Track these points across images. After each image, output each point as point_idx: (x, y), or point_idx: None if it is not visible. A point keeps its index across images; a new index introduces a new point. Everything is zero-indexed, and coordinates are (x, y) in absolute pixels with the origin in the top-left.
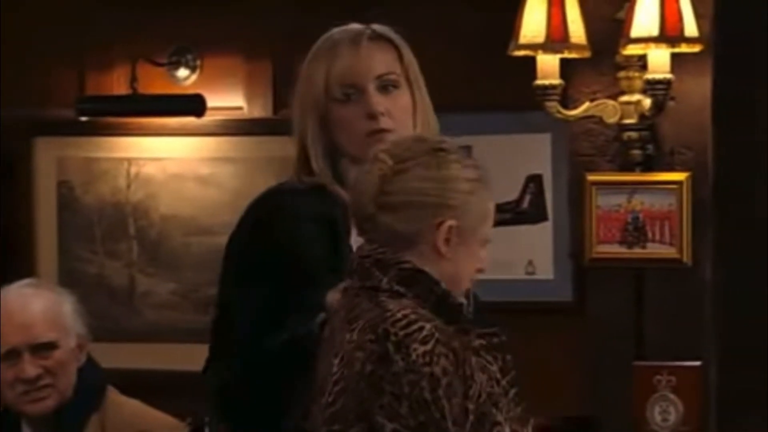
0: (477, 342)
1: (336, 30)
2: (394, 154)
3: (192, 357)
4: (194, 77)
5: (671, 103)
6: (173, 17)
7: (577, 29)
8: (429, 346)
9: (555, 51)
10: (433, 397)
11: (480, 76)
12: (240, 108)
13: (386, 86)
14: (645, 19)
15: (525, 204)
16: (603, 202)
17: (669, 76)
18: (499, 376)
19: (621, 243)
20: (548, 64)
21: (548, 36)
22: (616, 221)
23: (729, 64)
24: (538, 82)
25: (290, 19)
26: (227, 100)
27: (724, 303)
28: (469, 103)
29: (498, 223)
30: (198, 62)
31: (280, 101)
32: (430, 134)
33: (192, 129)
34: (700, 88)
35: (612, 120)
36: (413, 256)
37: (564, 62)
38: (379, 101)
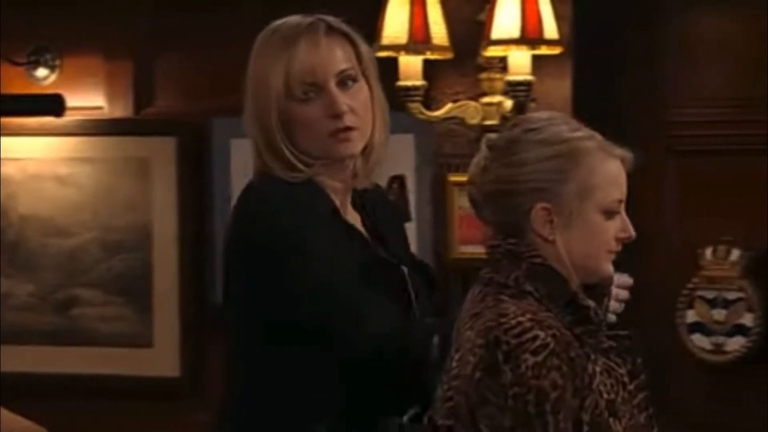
0: (607, 344)
1: (282, 23)
2: (491, 143)
3: (50, 359)
4: (54, 77)
5: (532, 105)
6: (32, 16)
7: (439, 31)
8: (540, 358)
9: (417, 52)
10: (538, 411)
11: None
12: (100, 108)
13: (345, 81)
14: (505, 21)
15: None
16: (465, 202)
17: (530, 77)
18: (626, 379)
19: (484, 243)
20: (410, 66)
21: (410, 37)
22: (479, 222)
23: (589, 66)
24: (401, 83)
25: (150, 18)
26: (87, 99)
27: None
28: None
29: None
30: (57, 62)
31: (140, 101)
32: (384, 131)
33: (51, 129)
34: (561, 89)
35: (474, 121)
36: (526, 246)
37: (426, 63)
38: (341, 99)
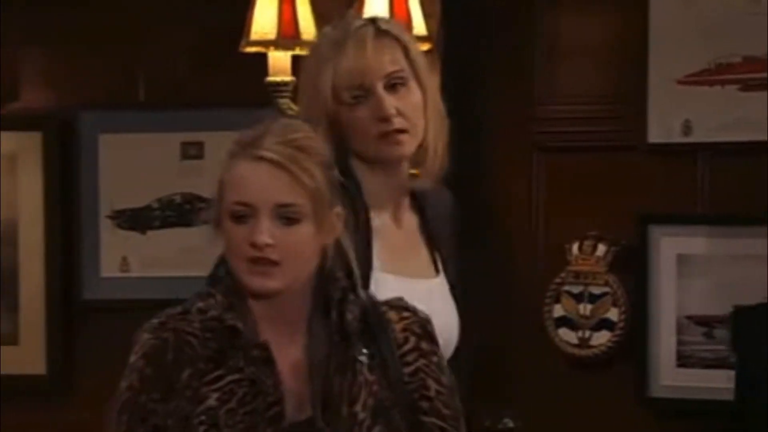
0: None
1: (333, 26)
2: None
3: None
4: None
5: None
6: None
7: (308, 26)
8: (133, 358)
9: (286, 48)
10: (114, 409)
11: (212, 72)
12: None
13: (395, 84)
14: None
15: None
16: None
17: None
18: (245, 390)
19: None
20: (280, 61)
21: (279, 33)
22: None
23: (457, 63)
24: (270, 78)
25: (15, 12)
26: None
27: None
28: (201, 99)
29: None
30: None
31: (6, 95)
32: (440, 134)
33: None
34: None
35: None
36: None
37: (295, 59)
38: (390, 102)
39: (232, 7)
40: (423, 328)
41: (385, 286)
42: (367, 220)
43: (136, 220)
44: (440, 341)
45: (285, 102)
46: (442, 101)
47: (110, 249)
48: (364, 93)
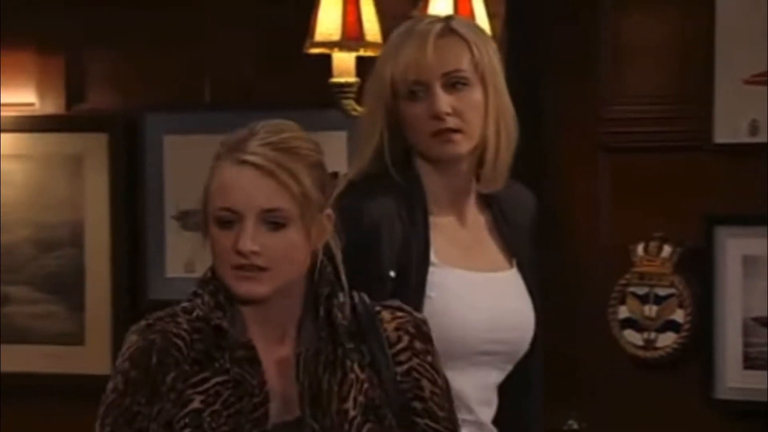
0: (227, 358)
1: (411, 22)
2: None
3: None
4: None
5: None
6: None
7: (372, 27)
8: (119, 361)
9: (350, 49)
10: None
11: (276, 73)
12: (32, 104)
13: (454, 83)
14: None
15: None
16: None
17: None
18: (230, 392)
19: None
20: (344, 62)
21: (343, 34)
22: None
23: (521, 63)
24: (334, 79)
25: (83, 13)
26: (18, 96)
27: None
28: (266, 100)
29: None
30: None
31: (73, 97)
32: (502, 137)
33: None
34: None
35: None
36: None
37: (360, 60)
38: (445, 100)
39: (297, 9)
40: (417, 327)
41: (446, 278)
42: (425, 216)
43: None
44: (514, 334)
45: (349, 103)
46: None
47: (175, 250)
48: (421, 89)
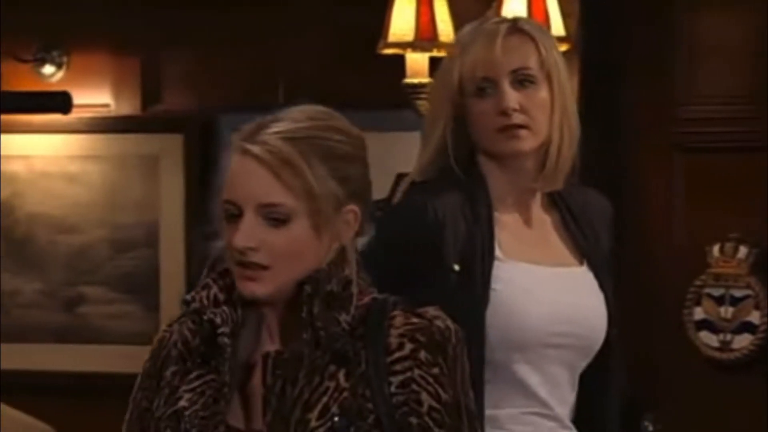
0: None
1: (478, 22)
2: None
3: (56, 357)
4: (61, 74)
5: None
6: (39, 13)
7: (445, 28)
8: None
9: (424, 49)
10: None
11: (350, 73)
12: (107, 105)
13: (522, 81)
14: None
15: (396, 201)
16: None
17: None
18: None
19: None
20: (417, 63)
21: (417, 35)
22: None
23: (596, 63)
24: (408, 80)
25: (158, 14)
26: (94, 97)
27: None
28: (339, 101)
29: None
30: (64, 59)
31: (148, 98)
32: (565, 136)
33: (59, 126)
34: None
35: None
36: None
37: (433, 61)
38: (512, 97)
39: (370, 9)
40: (429, 336)
41: (511, 271)
42: (490, 212)
43: None
44: (582, 328)
45: (422, 104)
46: (580, 102)
47: None
48: (489, 86)
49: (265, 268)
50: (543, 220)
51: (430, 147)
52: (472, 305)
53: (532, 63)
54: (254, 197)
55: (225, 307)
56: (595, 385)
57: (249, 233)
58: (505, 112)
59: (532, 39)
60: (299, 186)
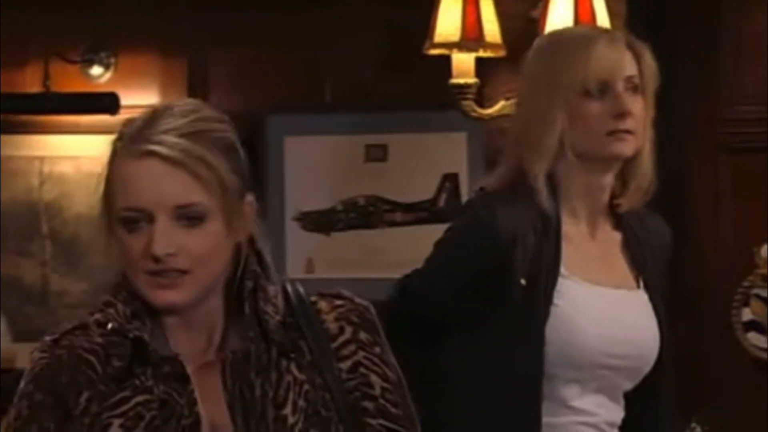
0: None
1: (566, 29)
2: None
3: None
4: (108, 75)
5: None
6: (87, 14)
7: (492, 28)
8: (22, 384)
9: (470, 50)
10: None
11: (396, 74)
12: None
13: (631, 88)
14: (559, 18)
15: (441, 203)
16: None
17: None
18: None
19: None
20: (463, 63)
21: (463, 35)
22: None
23: None
24: (454, 80)
25: (205, 15)
26: (142, 97)
27: None
28: (386, 102)
29: (414, 222)
30: (112, 60)
31: (195, 98)
32: (649, 150)
33: (106, 127)
34: None
35: None
36: None
37: (479, 61)
38: (629, 100)
39: (417, 10)
40: (361, 316)
41: (573, 289)
42: (558, 227)
43: (320, 222)
44: (635, 350)
45: (468, 104)
46: None
47: (296, 250)
48: (606, 88)
49: (183, 272)
50: (609, 237)
51: (539, 150)
52: (534, 320)
53: (638, 73)
54: (169, 199)
55: (138, 322)
56: (643, 406)
57: (167, 239)
58: (621, 115)
59: (640, 51)
60: (214, 181)
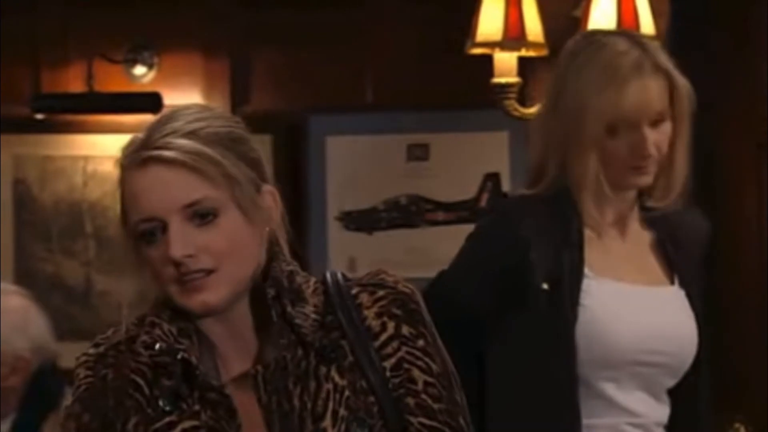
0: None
1: (605, 45)
2: None
3: None
4: (152, 75)
5: None
6: (130, 14)
7: (534, 27)
8: (69, 402)
9: (512, 49)
10: None
11: (437, 73)
12: None
13: (657, 122)
14: (602, 17)
15: (483, 202)
16: None
17: None
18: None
19: None
20: (505, 62)
21: (505, 34)
22: None
23: (684, 61)
24: (496, 80)
25: (248, 15)
26: (185, 97)
27: None
28: (427, 101)
29: (456, 221)
30: (155, 59)
31: (238, 98)
32: (674, 171)
33: None
34: None
35: None
36: None
37: (521, 60)
38: (652, 140)
39: (458, 9)
40: (404, 306)
41: (600, 288)
42: (580, 230)
43: (363, 221)
44: (672, 347)
45: (510, 103)
46: None
47: (338, 249)
48: (630, 127)
49: (210, 272)
50: (640, 236)
51: (576, 180)
52: (562, 323)
53: (666, 100)
54: (175, 201)
55: (186, 341)
56: (682, 405)
57: (182, 241)
58: (645, 157)
59: (668, 76)
60: (218, 174)
